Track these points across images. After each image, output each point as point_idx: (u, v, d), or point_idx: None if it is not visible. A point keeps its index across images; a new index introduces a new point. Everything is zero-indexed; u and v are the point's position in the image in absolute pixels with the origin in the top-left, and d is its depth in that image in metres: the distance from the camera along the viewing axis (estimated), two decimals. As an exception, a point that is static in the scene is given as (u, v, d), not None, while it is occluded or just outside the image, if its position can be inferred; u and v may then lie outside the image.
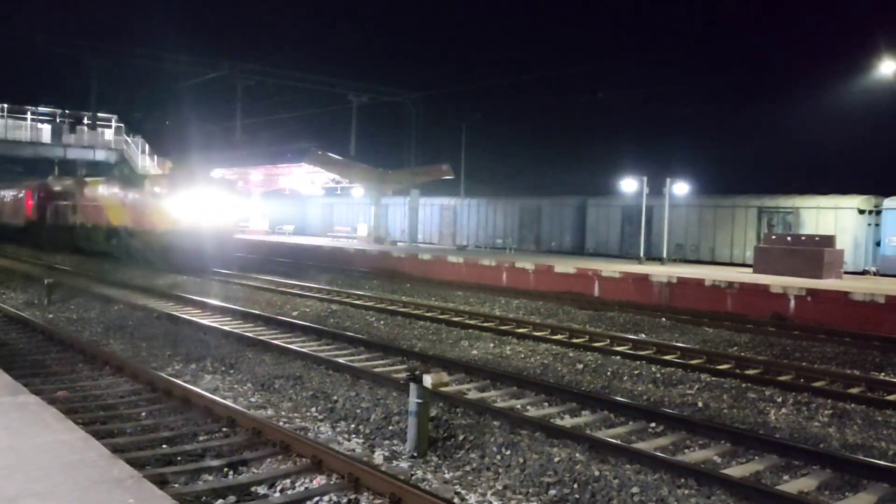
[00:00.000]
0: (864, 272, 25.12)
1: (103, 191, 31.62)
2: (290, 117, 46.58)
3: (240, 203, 29.08)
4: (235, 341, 13.32)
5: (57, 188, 37.28)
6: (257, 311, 16.44)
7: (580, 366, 12.33)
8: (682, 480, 7.09)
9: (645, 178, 27.18)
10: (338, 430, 8.49)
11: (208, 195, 26.79)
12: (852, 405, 10.23)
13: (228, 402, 8.83)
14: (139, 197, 28.19)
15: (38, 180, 40.51)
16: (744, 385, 11.26)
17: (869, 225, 25.86)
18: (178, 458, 7.21)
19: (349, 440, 8.15)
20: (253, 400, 9.64)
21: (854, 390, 11.18)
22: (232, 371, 11.16)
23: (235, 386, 10.33)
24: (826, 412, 9.90)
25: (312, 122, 48.83)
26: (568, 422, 9.05)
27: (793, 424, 9.28)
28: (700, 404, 10.08)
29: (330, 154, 36.37)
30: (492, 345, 13.99)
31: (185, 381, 9.90)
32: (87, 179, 34.71)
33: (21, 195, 40.13)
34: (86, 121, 44.38)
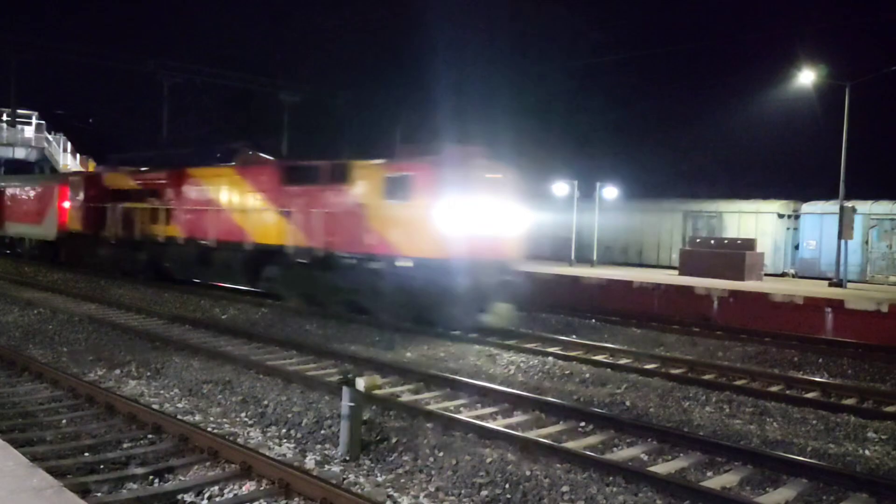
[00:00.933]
0: (783, 274, 26.08)
1: (236, 187, 20.06)
2: (221, 116, 45.81)
3: (525, 212, 16.62)
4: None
5: (120, 183, 24.85)
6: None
7: (512, 367, 12.45)
8: (611, 478, 7.22)
9: (576, 183, 27.67)
10: (268, 435, 8.38)
11: (491, 199, 15.57)
12: (772, 403, 10.60)
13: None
14: (345, 199, 16.63)
15: (79, 172, 29.68)
16: (670, 384, 11.54)
17: (788, 229, 26.87)
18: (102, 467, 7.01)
19: (280, 445, 8.05)
20: (180, 406, 9.44)
21: (774, 388, 11.58)
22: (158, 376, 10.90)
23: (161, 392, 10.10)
24: (748, 410, 10.23)
25: (244, 121, 48.06)
26: (500, 423, 9.12)
27: (716, 422, 9.56)
28: (628, 403, 10.29)
29: (261, 154, 35.81)
30: (426, 347, 14.00)
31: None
32: (191, 170, 22.10)
33: (49, 193, 28.73)
34: (4, 117, 42.74)
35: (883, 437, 9.11)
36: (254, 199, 19.34)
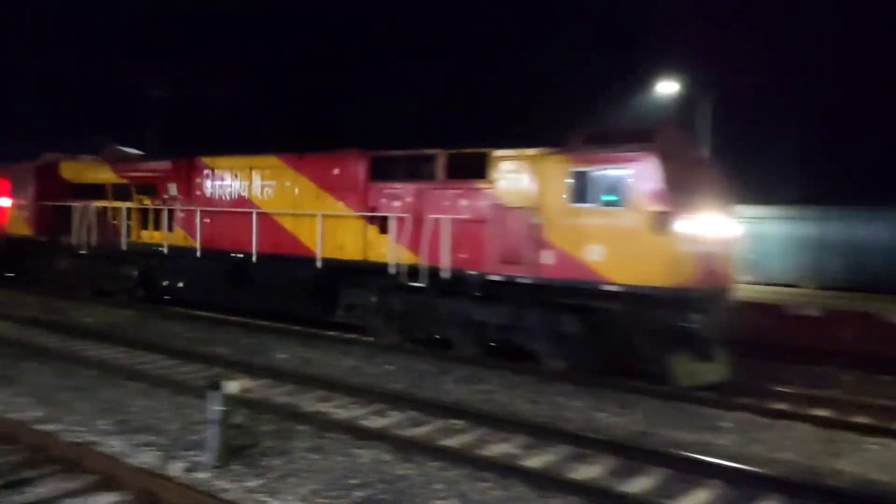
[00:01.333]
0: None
1: (291, 182, 15.25)
2: (79, 109, 43.51)
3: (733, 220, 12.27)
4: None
5: (88, 176, 20.06)
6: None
7: (389, 367, 12.45)
8: (483, 474, 7.34)
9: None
10: (132, 442, 8.01)
11: (715, 202, 11.68)
12: (637, 396, 11.06)
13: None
14: (484, 202, 12.57)
15: (25, 162, 21.68)
16: (542, 381, 11.83)
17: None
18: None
19: (145, 453, 7.72)
20: (36, 414, 8.90)
21: (639, 383, 12.06)
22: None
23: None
24: (615, 404, 10.62)
25: (109, 115, 45.86)
26: (375, 423, 9.10)
27: (585, 416, 9.88)
28: (502, 401, 10.48)
29: (128, 150, 34.27)
30: (299, 349, 13.79)
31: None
32: (211, 159, 16.86)
33: None
34: None
35: (736, 426, 9.68)
36: (323, 199, 14.66)
